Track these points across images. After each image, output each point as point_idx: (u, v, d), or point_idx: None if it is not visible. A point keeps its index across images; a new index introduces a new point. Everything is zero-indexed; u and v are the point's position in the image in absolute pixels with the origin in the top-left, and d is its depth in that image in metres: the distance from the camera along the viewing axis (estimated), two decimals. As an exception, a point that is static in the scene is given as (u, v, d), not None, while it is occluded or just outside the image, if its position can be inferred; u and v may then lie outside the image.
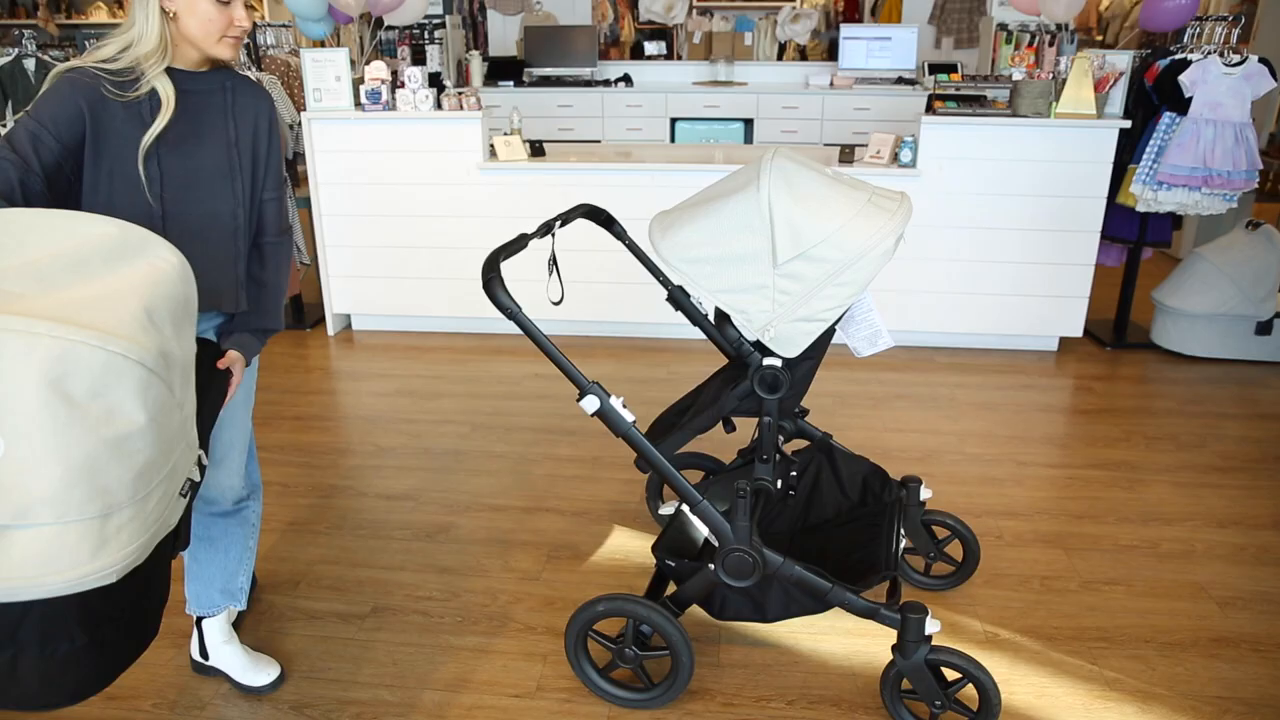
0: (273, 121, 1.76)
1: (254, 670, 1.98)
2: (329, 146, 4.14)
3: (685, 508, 1.92)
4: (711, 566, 1.85)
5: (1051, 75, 3.92)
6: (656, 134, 6.38)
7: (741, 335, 1.97)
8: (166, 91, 1.58)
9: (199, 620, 1.99)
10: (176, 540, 1.29)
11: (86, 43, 5.41)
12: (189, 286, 1.24)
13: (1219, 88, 3.64)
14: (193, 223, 1.64)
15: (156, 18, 1.54)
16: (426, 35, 6.33)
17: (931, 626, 1.77)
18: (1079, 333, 4.06)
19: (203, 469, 1.31)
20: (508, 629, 2.19)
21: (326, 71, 4.02)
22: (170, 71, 1.60)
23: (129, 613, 1.24)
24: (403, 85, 4.03)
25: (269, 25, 4.78)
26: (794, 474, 2.27)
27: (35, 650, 1.13)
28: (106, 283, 1.13)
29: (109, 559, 1.07)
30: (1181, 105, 3.72)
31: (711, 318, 2.20)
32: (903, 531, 2.10)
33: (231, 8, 1.58)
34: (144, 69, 1.56)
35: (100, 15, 7.95)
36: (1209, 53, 3.72)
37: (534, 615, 2.24)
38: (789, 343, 1.82)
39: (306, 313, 4.66)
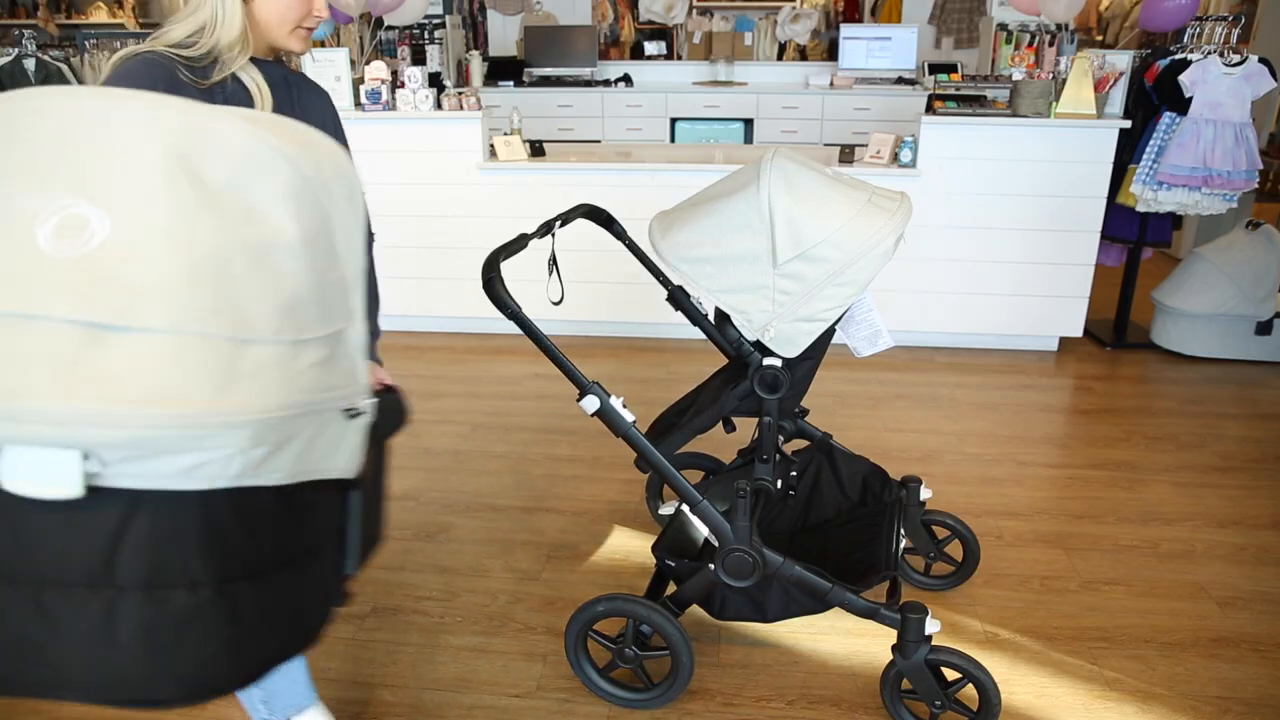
0: (338, 122, 1.61)
1: None
2: (329, 146, 4.13)
3: (685, 508, 1.92)
4: (711, 566, 1.84)
5: (1051, 75, 3.92)
6: (656, 134, 6.38)
7: (741, 335, 1.97)
8: (257, 82, 1.41)
9: None
10: (354, 502, 1.00)
11: (86, 43, 5.40)
12: (358, 188, 0.99)
13: (1219, 88, 3.64)
14: None
15: (238, 1, 1.37)
16: (426, 35, 6.33)
17: (931, 626, 1.77)
18: (1079, 333, 4.06)
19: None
20: (508, 629, 2.19)
21: (326, 71, 4.02)
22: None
23: (274, 579, 0.92)
24: (403, 85, 4.03)
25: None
26: (794, 474, 2.27)
27: (140, 593, 0.81)
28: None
29: (238, 400, 0.77)
30: (1181, 105, 3.71)
31: (711, 318, 2.20)
32: (903, 531, 2.10)
33: None
34: (224, 59, 1.39)
35: (100, 15, 7.94)
36: (1209, 53, 3.72)
37: (534, 615, 2.24)
38: (789, 343, 1.82)
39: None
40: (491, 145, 4.13)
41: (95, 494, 0.77)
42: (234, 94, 1.40)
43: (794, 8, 6.70)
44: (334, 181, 0.91)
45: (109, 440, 0.73)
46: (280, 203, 0.84)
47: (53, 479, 0.74)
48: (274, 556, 0.91)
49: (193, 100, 0.87)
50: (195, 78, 1.36)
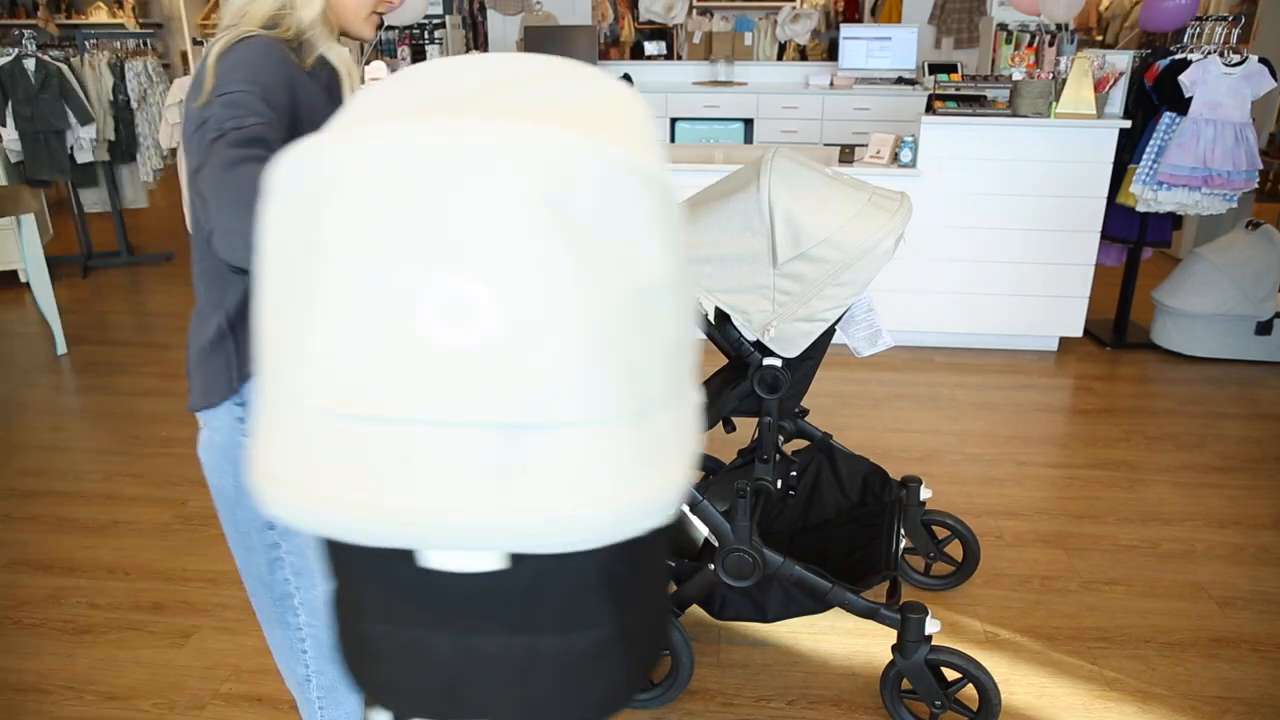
0: None
1: None
2: (329, 146, 4.13)
3: (685, 508, 1.92)
4: (711, 566, 1.85)
5: (1051, 75, 3.92)
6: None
7: (741, 335, 1.97)
8: (345, 61, 1.36)
9: None
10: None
11: (86, 43, 5.40)
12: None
13: (1219, 88, 3.64)
14: None
15: None
16: (426, 35, 6.34)
17: (931, 626, 1.77)
18: (1079, 333, 4.06)
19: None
20: (508, 629, 2.19)
21: (326, 71, 4.02)
22: None
23: (650, 601, 0.93)
24: (403, 85, 4.03)
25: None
26: (794, 474, 2.27)
27: (555, 638, 0.83)
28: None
29: (657, 486, 0.71)
30: (1181, 105, 3.72)
31: (711, 318, 2.21)
32: (903, 531, 2.10)
33: None
34: (307, 38, 1.32)
35: (100, 15, 7.95)
36: (1209, 53, 3.72)
37: (534, 615, 2.24)
38: (789, 343, 1.82)
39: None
40: (491, 145, 4.12)
41: (513, 560, 0.77)
42: (330, 76, 1.34)
43: (794, 8, 6.71)
44: (666, 172, 0.75)
45: (539, 546, 0.70)
46: (650, 235, 0.70)
47: (476, 560, 0.76)
48: (654, 577, 0.95)
49: (517, 111, 0.75)
50: (299, 59, 1.31)
